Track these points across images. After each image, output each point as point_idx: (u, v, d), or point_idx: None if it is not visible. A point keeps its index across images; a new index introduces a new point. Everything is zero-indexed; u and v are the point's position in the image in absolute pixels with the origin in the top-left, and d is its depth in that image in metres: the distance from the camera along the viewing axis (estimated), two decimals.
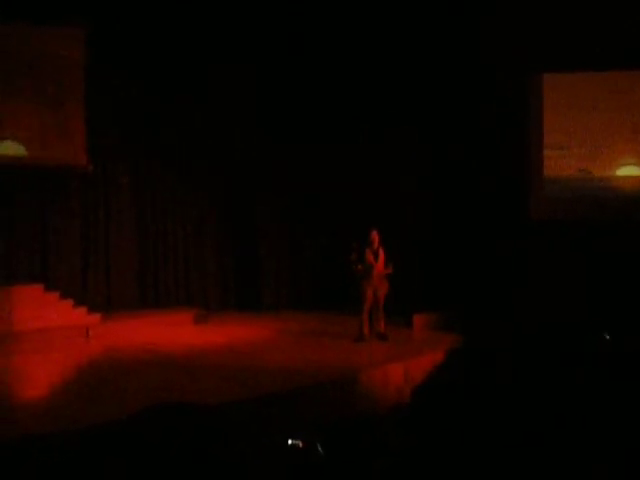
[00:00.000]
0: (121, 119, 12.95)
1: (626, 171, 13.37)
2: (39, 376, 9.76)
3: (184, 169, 13.70)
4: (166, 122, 13.31)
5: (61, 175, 12.57)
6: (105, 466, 2.97)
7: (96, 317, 12.08)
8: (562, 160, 13.60)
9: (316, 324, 12.63)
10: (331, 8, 12.93)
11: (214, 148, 13.85)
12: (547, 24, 12.59)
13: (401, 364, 9.83)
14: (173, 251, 13.74)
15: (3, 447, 5.64)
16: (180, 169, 13.66)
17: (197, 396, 8.10)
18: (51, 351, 10.79)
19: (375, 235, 11.11)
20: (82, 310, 12.01)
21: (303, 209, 14.21)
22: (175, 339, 11.58)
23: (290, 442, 3.30)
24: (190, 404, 3.15)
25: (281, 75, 13.64)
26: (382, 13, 13.01)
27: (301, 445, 3.27)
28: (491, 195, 13.13)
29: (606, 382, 3.32)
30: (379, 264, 11.10)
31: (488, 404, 3.17)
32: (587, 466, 2.65)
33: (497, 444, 2.81)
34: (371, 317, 11.32)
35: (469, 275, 12.72)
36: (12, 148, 12.20)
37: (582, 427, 2.90)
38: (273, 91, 13.72)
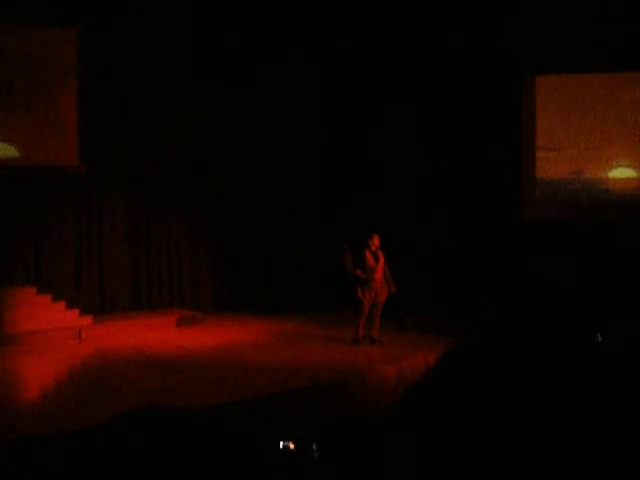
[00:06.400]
0: (114, 120, 12.88)
1: (619, 173, 13.39)
2: (31, 378, 9.73)
3: (177, 169, 13.63)
4: (159, 123, 13.24)
5: (54, 176, 12.51)
6: (85, 471, 2.93)
7: (88, 319, 12.04)
8: (555, 162, 13.62)
9: (311, 326, 12.61)
10: None
11: (208, 147, 13.80)
12: (540, 26, 12.61)
13: (394, 366, 9.85)
14: (166, 253, 13.68)
15: None
16: (173, 169, 13.59)
17: (189, 398, 8.09)
18: (43, 353, 10.75)
19: (376, 239, 11.11)
20: (75, 312, 11.97)
21: (297, 210, 14.16)
22: (168, 341, 11.54)
23: (282, 444, 3.29)
24: (174, 407, 3.11)
25: None
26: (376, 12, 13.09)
27: (293, 447, 3.26)
28: (484, 196, 13.14)
29: (599, 383, 3.32)
30: (379, 267, 11.10)
31: (480, 404, 3.16)
32: (583, 468, 2.65)
33: (490, 442, 2.81)
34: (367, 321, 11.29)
35: (461, 277, 12.72)
36: (3, 149, 12.15)
37: (575, 428, 2.90)
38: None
